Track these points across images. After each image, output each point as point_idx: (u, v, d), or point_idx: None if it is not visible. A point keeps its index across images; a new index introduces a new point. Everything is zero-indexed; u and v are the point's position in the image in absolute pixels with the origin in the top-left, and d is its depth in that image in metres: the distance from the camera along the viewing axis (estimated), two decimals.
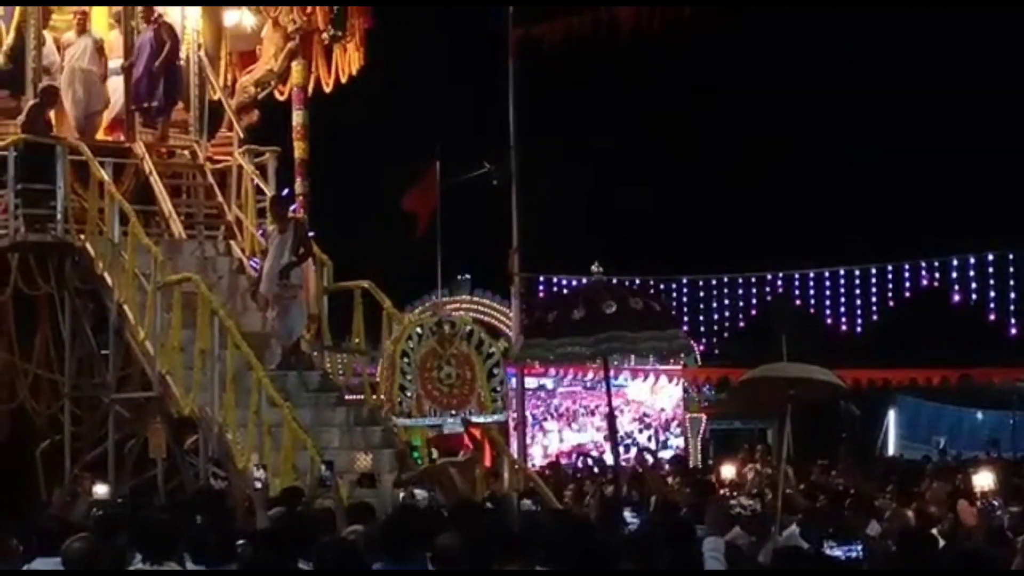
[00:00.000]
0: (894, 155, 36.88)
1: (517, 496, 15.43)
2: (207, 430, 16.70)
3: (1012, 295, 25.14)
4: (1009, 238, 25.68)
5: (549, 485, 18.87)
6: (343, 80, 21.30)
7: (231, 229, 20.21)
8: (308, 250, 18.43)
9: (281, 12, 20.69)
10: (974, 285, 25.43)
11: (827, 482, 21.53)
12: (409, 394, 15.82)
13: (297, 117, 21.22)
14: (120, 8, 20.32)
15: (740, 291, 27.58)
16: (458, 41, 34.96)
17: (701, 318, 27.65)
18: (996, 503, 16.47)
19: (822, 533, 11.90)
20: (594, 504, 17.66)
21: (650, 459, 28.10)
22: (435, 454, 16.28)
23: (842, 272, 26.75)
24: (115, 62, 20.28)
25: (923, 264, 26.00)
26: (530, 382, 29.81)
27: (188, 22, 20.76)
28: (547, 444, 31.76)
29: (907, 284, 26.19)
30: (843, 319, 26.83)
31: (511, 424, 27.91)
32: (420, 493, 13.85)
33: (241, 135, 20.85)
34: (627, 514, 14.65)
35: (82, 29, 20.13)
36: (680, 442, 32.31)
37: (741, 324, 27.80)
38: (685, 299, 27.68)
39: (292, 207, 19.75)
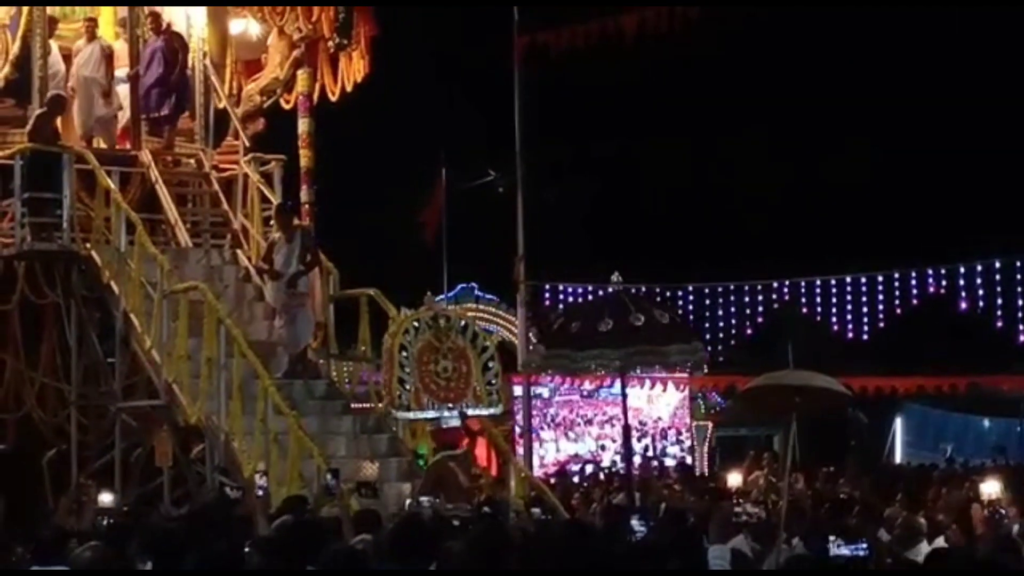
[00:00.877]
0: (901, 163, 36.87)
1: (525, 504, 15.43)
2: (213, 438, 16.68)
3: (1020, 302, 25.10)
4: (1016, 245, 25.64)
5: (555, 493, 18.86)
6: (348, 88, 21.33)
7: (237, 237, 20.22)
8: (315, 258, 18.43)
9: (287, 20, 20.70)
10: (981, 292, 25.39)
11: (831, 490, 21.50)
12: (408, 387, 15.85)
13: (303, 125, 21.21)
14: (125, 16, 20.35)
15: (747, 299, 27.55)
16: (463, 49, 34.97)
17: (708, 325, 27.61)
18: (1003, 511, 16.45)
19: (827, 542, 11.88)
20: (600, 512, 17.65)
21: (656, 465, 28.05)
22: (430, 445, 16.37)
23: (849, 279, 26.72)
24: (121, 71, 20.32)
25: (930, 271, 25.97)
26: (517, 391, 29.38)
27: (194, 31, 20.78)
28: (543, 454, 31.56)
29: (914, 291, 26.16)
30: (850, 326, 26.80)
31: (516, 432, 27.91)
32: (424, 500, 13.83)
33: (247, 143, 20.87)
34: (634, 522, 14.62)
35: (91, 36, 20.17)
36: (676, 451, 32.15)
37: (748, 332, 27.78)
38: (692, 306, 27.65)
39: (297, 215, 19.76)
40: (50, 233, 18.65)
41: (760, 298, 27.56)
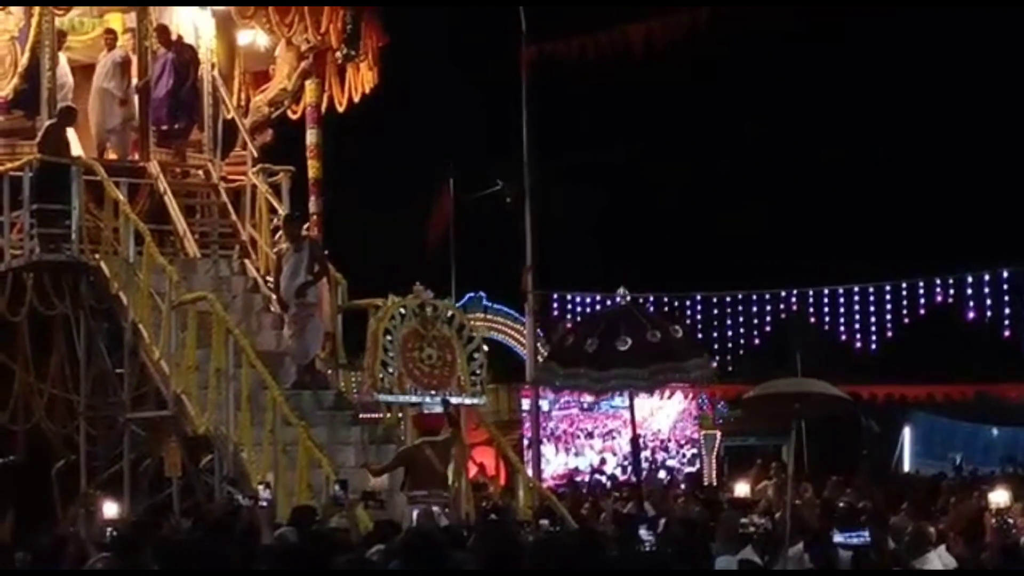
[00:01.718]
0: (908, 172, 36.85)
1: (533, 514, 15.43)
2: (222, 449, 16.71)
3: None
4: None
5: (564, 503, 18.87)
6: (356, 99, 21.35)
7: (245, 248, 20.25)
8: (323, 269, 18.46)
9: (295, 31, 20.72)
10: (989, 302, 25.38)
11: (838, 499, 21.44)
12: (391, 370, 15.90)
13: (311, 136, 21.24)
14: (134, 26, 20.37)
15: (755, 308, 27.54)
16: (471, 59, 35.01)
17: (716, 335, 27.60)
18: (1011, 520, 16.43)
19: (831, 552, 11.89)
20: (608, 521, 17.64)
21: (664, 476, 28.04)
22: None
23: (856, 289, 26.71)
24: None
25: (937, 281, 25.96)
26: (526, 404, 29.31)
27: (202, 41, 20.80)
28: (542, 468, 31.42)
29: (922, 301, 26.15)
30: (858, 336, 26.77)
31: (524, 443, 27.88)
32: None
33: (255, 154, 20.91)
34: (642, 531, 14.63)
35: (111, 46, 20.22)
36: (674, 463, 32.08)
37: (756, 341, 27.76)
38: (700, 316, 27.64)
39: (305, 226, 19.78)
40: (59, 244, 18.70)
41: (768, 307, 27.56)
